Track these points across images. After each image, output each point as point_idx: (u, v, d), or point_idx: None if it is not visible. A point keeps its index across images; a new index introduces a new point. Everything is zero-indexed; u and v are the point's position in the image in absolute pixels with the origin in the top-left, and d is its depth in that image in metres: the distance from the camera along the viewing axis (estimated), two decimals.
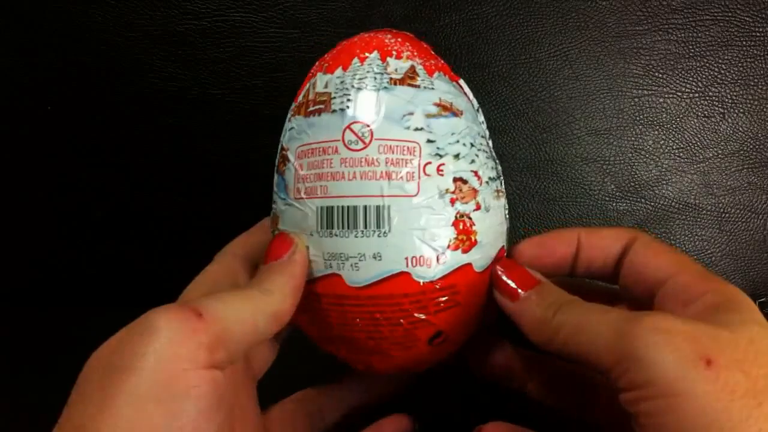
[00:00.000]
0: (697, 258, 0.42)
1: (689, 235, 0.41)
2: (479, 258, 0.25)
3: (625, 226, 0.41)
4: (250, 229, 0.29)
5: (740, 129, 0.40)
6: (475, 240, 0.25)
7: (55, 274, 0.45)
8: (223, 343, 0.20)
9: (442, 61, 0.27)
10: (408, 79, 0.25)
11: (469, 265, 0.25)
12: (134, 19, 0.39)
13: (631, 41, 0.39)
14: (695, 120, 0.40)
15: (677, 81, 0.40)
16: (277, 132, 0.27)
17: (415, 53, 0.26)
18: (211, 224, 0.41)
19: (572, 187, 0.41)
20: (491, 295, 0.26)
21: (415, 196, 0.24)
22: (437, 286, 0.24)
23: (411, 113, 0.24)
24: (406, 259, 0.24)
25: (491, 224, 0.26)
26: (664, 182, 0.41)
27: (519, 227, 0.41)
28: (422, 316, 0.24)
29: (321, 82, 0.26)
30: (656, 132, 0.40)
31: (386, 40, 0.26)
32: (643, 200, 0.41)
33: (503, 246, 0.27)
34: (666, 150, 0.40)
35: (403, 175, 0.24)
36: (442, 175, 0.24)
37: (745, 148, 0.40)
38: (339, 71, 0.25)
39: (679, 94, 0.40)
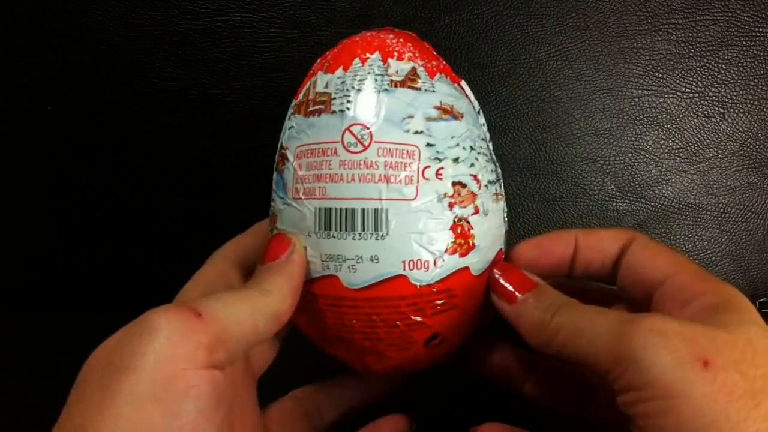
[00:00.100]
0: (697, 258, 0.42)
1: (689, 235, 0.41)
2: (477, 261, 0.25)
3: (622, 227, 0.41)
4: (244, 232, 0.29)
5: (740, 129, 0.40)
6: (473, 244, 0.25)
7: (55, 274, 0.45)
8: (223, 343, 0.20)
9: (444, 62, 0.27)
10: (409, 81, 0.25)
11: (466, 268, 0.25)
12: (134, 19, 0.39)
13: (631, 41, 0.39)
14: (695, 120, 0.40)
15: (677, 81, 0.40)
16: (277, 132, 0.27)
17: (417, 54, 0.26)
18: (211, 224, 0.41)
19: (572, 187, 0.41)
20: (488, 298, 0.26)
21: (414, 199, 0.24)
22: (434, 289, 0.24)
23: (411, 116, 0.24)
24: (404, 262, 0.24)
25: (489, 228, 0.26)
26: (664, 182, 0.41)
27: (519, 227, 0.41)
28: (419, 319, 0.24)
29: (321, 81, 0.25)
30: (656, 132, 0.40)
31: (388, 41, 0.26)
32: (643, 200, 0.41)
33: (501, 249, 0.27)
34: (666, 150, 0.40)
35: (401, 178, 0.24)
36: (441, 179, 0.24)
37: (745, 148, 0.40)
38: (340, 71, 0.25)
39: (679, 94, 0.40)
